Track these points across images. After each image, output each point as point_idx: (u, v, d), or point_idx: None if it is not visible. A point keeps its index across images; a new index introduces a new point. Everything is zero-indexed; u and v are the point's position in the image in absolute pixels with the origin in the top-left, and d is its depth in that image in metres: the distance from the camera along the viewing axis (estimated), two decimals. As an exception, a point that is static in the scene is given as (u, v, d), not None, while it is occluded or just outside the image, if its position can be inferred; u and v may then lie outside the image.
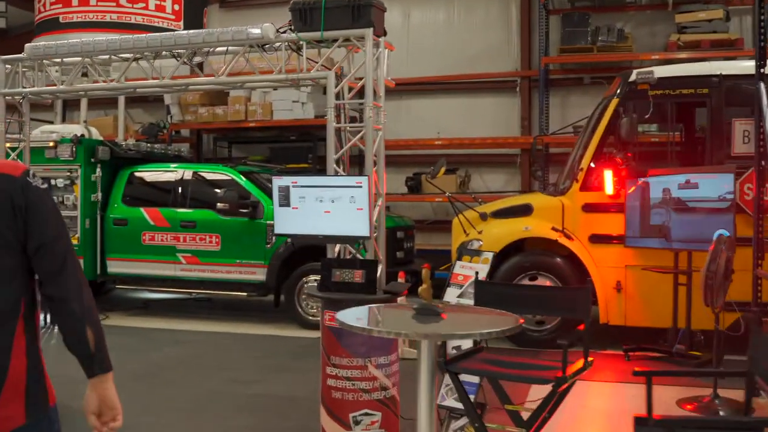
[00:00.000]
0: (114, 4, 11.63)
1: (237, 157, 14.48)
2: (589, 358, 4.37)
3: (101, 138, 12.08)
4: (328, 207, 5.13)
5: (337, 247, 5.51)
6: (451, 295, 5.37)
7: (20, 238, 2.16)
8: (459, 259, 5.53)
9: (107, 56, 6.00)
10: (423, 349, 3.53)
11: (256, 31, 5.55)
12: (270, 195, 10.39)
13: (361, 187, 5.10)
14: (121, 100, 14.10)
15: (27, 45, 6.04)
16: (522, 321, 3.72)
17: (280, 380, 7.28)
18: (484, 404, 5.27)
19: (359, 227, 5.12)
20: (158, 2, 11.91)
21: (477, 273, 5.27)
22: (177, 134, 15.20)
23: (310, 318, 9.75)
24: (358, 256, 5.93)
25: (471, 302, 5.03)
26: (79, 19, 11.55)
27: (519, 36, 13.50)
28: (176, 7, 12.18)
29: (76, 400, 6.32)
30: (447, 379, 5.10)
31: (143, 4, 11.75)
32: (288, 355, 8.41)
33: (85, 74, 6.25)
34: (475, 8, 13.86)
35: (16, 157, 6.54)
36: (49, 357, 2.60)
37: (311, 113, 13.57)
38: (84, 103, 13.06)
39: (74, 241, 10.92)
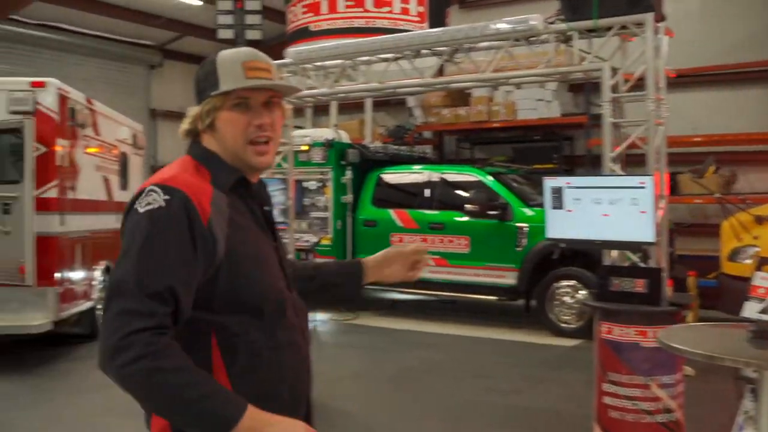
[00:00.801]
0: (360, 9, 11.85)
1: (481, 158, 14.28)
2: None
3: (350, 141, 12.38)
4: (606, 210, 4.68)
5: (614, 254, 5.02)
6: (750, 310, 4.70)
7: None
8: (758, 269, 4.83)
9: (367, 57, 5.92)
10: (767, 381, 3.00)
11: (523, 24, 5.21)
12: (518, 196, 10.07)
13: (644, 187, 4.59)
14: (368, 103, 14.39)
15: (290, 50, 6.17)
16: None
17: (540, 392, 6.89)
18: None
19: (642, 232, 4.61)
20: (403, 5, 11.97)
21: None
22: (420, 136, 15.29)
23: (563, 325, 9.26)
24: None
25: (778, 319, 4.34)
26: (328, 27, 11.89)
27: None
28: (420, 8, 12.18)
29: (336, 399, 6.38)
30: (746, 405, 4.47)
31: (389, 8, 11.86)
32: (543, 364, 8.00)
33: (337, 79, 6.25)
34: (733, -6, 12.60)
35: (281, 161, 6.69)
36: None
37: (556, 111, 13.05)
38: (334, 107, 13.48)
39: (326, 242, 11.25)
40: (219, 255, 1.76)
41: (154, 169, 20.24)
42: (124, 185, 10.99)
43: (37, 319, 7.72)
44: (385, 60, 5.95)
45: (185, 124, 1.95)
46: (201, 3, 16.19)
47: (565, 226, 4.84)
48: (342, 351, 8.98)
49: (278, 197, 6.28)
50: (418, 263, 2.34)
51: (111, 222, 10.27)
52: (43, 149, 7.88)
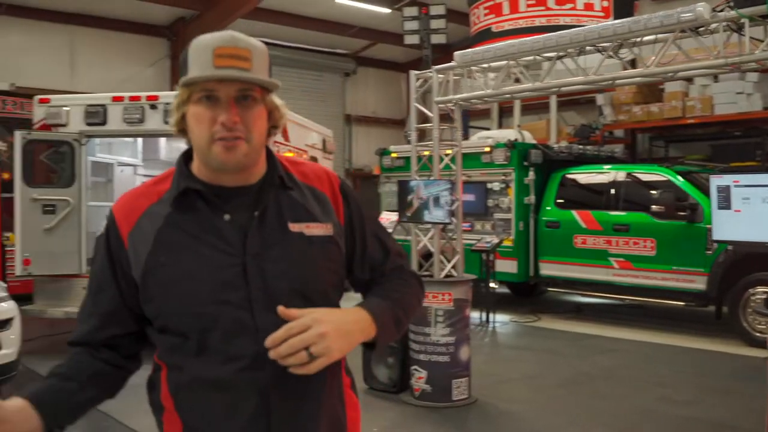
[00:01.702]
0: (542, 7, 11.70)
1: (673, 157, 13.60)
2: None
3: (534, 141, 12.25)
4: (778, 209, 4.35)
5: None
6: None
7: None
8: None
9: (532, 57, 5.88)
10: None
11: (688, 13, 4.96)
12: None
13: (822, 185, 4.23)
14: (553, 102, 14.18)
15: (456, 53, 6.23)
16: None
17: (719, 403, 6.49)
18: None
19: (820, 233, 4.26)
20: (586, 0, 11.68)
21: None
22: (610, 135, 14.81)
23: (757, 334, 8.62)
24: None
25: None
26: (510, 27, 11.86)
27: None
28: (605, 3, 11.82)
29: (502, 400, 6.38)
30: None
31: (571, 5, 11.62)
32: (730, 375, 7.50)
33: (517, 79, 6.24)
34: None
35: (449, 163, 6.78)
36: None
37: (758, 105, 12.15)
38: (517, 108, 13.42)
39: (508, 243, 11.21)
40: (136, 274, 1.69)
41: (348, 172, 21.11)
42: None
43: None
44: (549, 59, 5.88)
45: (171, 122, 1.73)
46: (389, 11, 16.68)
47: (732, 226, 4.56)
48: (518, 353, 8.93)
49: (445, 197, 6.37)
50: None
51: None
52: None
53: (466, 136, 13.14)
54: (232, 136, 1.62)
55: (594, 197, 10.81)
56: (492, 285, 10.85)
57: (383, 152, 13.34)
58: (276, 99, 1.74)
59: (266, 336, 1.56)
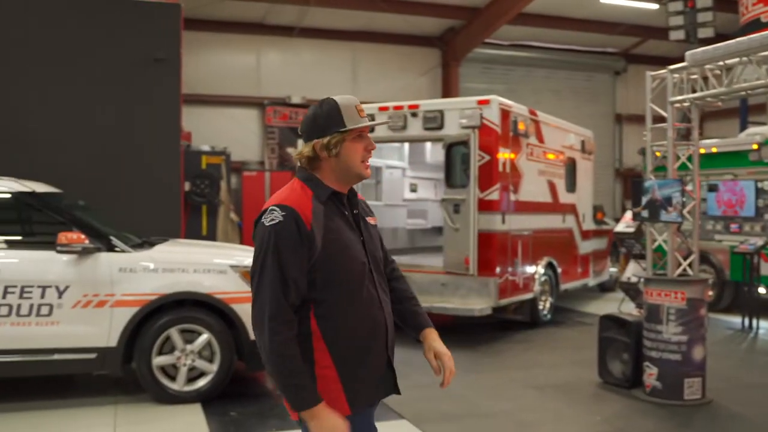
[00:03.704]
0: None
1: None
2: None
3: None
4: None
5: None
6: None
7: None
8: None
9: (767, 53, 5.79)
10: None
11: None
12: None
13: None
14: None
15: (687, 53, 6.26)
16: None
17: None
18: None
19: None
20: None
21: None
22: None
23: None
24: None
25: None
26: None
27: None
28: None
29: (738, 404, 6.25)
30: None
31: None
32: None
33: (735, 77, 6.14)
34: None
35: (686, 161, 6.80)
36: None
37: None
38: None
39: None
40: (318, 246, 2.48)
41: (618, 172, 20.79)
42: (571, 188, 11.79)
43: (479, 305, 8.96)
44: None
45: (307, 153, 2.59)
46: (657, 6, 16.28)
47: None
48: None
49: (677, 198, 6.44)
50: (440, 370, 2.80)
51: (555, 222, 11.20)
52: (486, 157, 9.08)
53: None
54: (370, 156, 2.67)
55: None
56: (761, 290, 10.34)
57: (645, 151, 13.11)
58: None
59: (376, 286, 2.66)
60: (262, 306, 2.45)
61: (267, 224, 2.48)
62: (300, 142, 2.78)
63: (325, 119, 2.58)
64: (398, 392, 2.73)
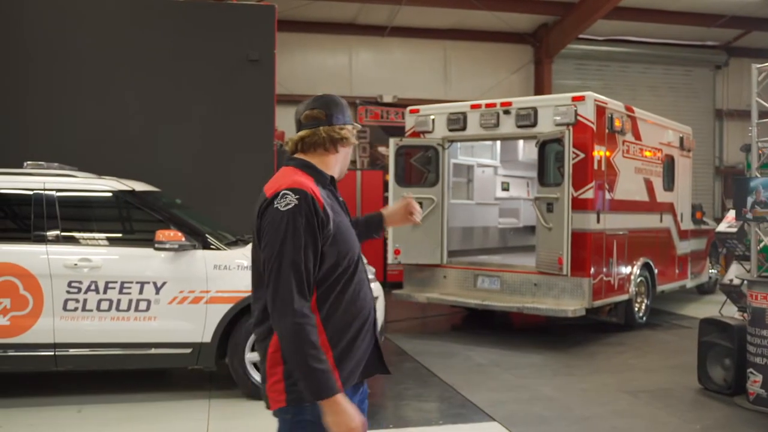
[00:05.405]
0: None
1: None
2: None
3: None
4: None
5: None
6: None
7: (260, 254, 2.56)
8: None
9: None
10: None
11: None
12: None
13: None
14: None
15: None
16: None
17: None
18: None
19: None
20: None
21: None
22: None
23: None
24: None
25: None
26: None
27: None
28: None
29: None
30: None
31: None
32: None
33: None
34: None
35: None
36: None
37: None
38: None
39: None
40: (331, 228, 2.54)
41: (718, 170, 20.03)
42: (668, 186, 11.42)
43: (572, 305, 8.77)
44: None
45: (318, 138, 2.67)
46: (761, -3, 15.57)
47: None
48: None
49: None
50: (409, 211, 3.10)
51: (652, 221, 10.86)
52: (581, 155, 8.88)
53: None
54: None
55: None
56: None
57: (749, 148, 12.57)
58: None
59: (365, 268, 2.77)
60: (284, 290, 2.42)
61: (282, 209, 2.47)
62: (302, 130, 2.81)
63: (345, 109, 2.74)
64: (387, 371, 2.77)
